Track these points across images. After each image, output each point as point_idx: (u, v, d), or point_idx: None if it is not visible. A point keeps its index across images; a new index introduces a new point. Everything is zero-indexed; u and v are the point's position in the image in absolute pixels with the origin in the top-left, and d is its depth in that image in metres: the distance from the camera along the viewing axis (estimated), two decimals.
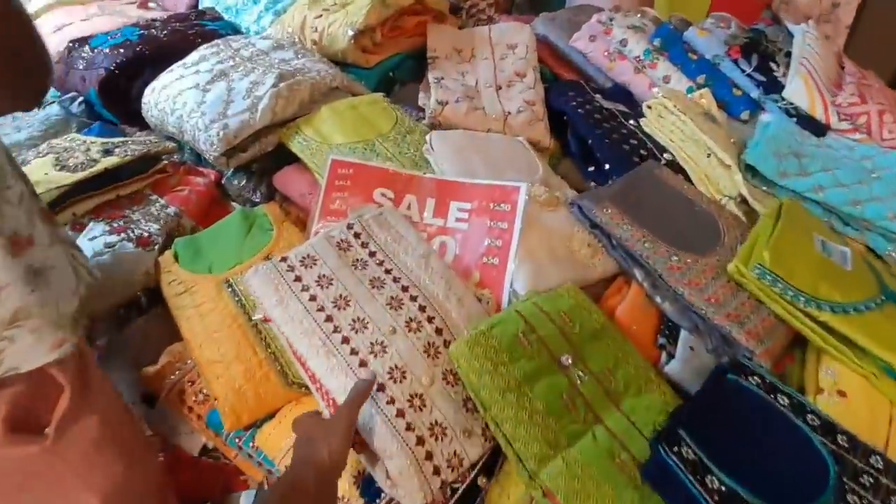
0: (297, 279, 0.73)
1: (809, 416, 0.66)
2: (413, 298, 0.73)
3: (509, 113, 1.09)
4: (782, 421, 0.65)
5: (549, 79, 1.30)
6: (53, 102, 1.11)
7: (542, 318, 0.71)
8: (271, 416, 0.74)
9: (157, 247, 0.88)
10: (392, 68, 1.22)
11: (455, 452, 0.64)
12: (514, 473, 0.64)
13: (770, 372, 0.70)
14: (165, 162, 0.99)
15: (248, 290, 0.74)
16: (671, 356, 0.75)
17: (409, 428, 0.64)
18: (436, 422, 0.65)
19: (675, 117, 1.04)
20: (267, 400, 0.73)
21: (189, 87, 1.01)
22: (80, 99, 1.12)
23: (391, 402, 0.65)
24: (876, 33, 1.76)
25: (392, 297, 0.73)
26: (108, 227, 0.88)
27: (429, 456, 0.63)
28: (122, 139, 1.00)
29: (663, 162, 1.03)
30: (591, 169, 1.05)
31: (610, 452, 0.62)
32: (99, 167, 0.91)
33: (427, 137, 0.95)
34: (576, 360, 0.69)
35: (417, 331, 0.70)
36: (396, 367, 0.67)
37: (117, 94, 1.09)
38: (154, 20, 1.23)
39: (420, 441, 0.63)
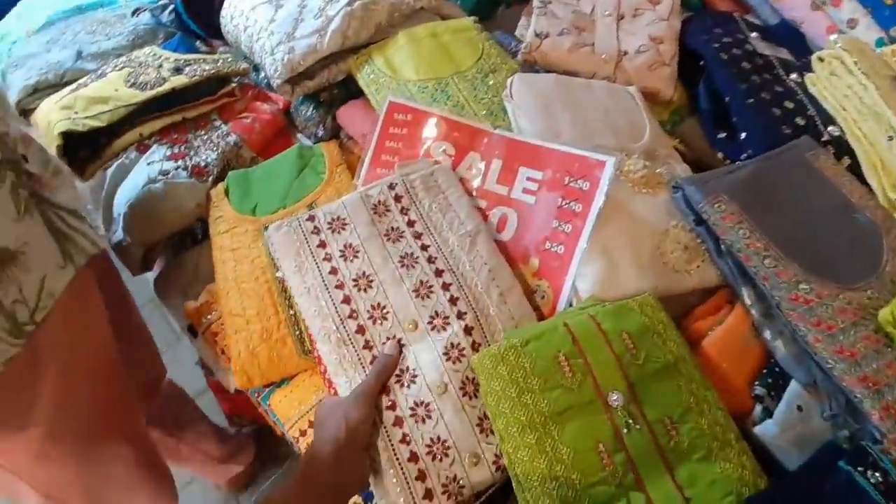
0: (322, 245, 0.65)
1: None
2: (445, 287, 0.62)
3: (625, 53, 0.86)
4: None
5: (696, 6, 1.02)
6: (146, 10, 1.09)
7: (596, 339, 0.56)
8: (286, 380, 0.70)
9: (210, 178, 0.85)
10: None
11: (455, 477, 0.55)
12: None
13: None
14: (234, 85, 0.93)
15: (269, 246, 0.68)
16: (768, 413, 0.57)
17: (403, 440, 0.55)
18: (438, 438, 0.55)
19: (853, 79, 0.75)
20: (280, 366, 0.68)
21: (263, 1, 0.92)
22: (171, 7, 1.08)
23: (391, 406, 0.57)
24: None
25: (421, 283, 0.62)
26: (168, 152, 0.86)
27: (421, 476, 0.54)
28: (195, 56, 0.95)
29: (825, 138, 0.76)
30: (722, 135, 0.81)
31: None
32: (166, 87, 0.88)
33: (508, 81, 0.78)
34: (629, 400, 0.54)
35: (442, 329, 0.60)
36: (409, 368, 0.58)
37: (200, 5, 1.03)
38: None
39: (413, 458, 0.55)
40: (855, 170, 0.75)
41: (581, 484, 0.50)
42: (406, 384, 0.58)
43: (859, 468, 0.50)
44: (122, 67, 0.92)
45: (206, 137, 0.89)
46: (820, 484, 0.50)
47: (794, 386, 0.57)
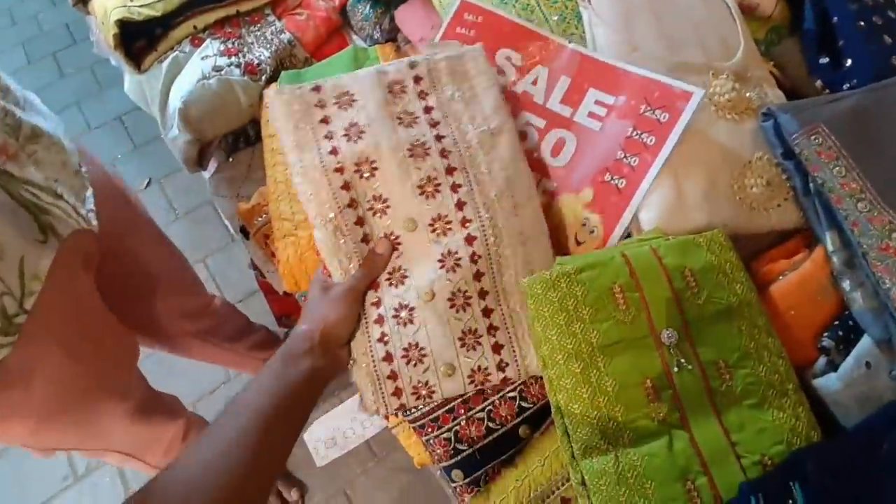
0: (325, 121, 0.59)
1: None
2: (455, 188, 0.56)
3: None
4: None
5: None
6: None
7: (656, 273, 0.53)
8: None
9: (264, 77, 0.82)
10: None
11: (427, 383, 0.55)
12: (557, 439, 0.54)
13: None
14: None
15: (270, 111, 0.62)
16: (832, 367, 0.53)
17: (381, 339, 0.55)
18: (416, 344, 0.54)
19: None
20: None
21: None
22: None
23: (376, 303, 0.56)
24: None
25: (429, 178, 0.56)
26: (222, 47, 0.83)
27: (392, 376, 0.55)
28: None
29: None
30: (825, 61, 0.72)
31: (683, 471, 0.48)
32: None
33: None
34: (683, 339, 0.52)
35: (443, 234, 0.56)
36: (400, 268, 0.56)
37: None
38: None
39: (388, 358, 0.55)
40: None
41: (623, 417, 0.49)
42: (395, 284, 0.56)
43: None
44: None
45: (259, 33, 0.85)
46: (876, 445, 0.47)
47: (865, 341, 0.53)
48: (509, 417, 0.57)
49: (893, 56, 0.67)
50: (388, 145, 0.57)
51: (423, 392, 0.55)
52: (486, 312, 0.55)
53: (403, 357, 0.54)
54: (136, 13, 0.81)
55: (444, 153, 0.57)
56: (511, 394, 0.58)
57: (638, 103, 0.59)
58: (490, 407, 0.58)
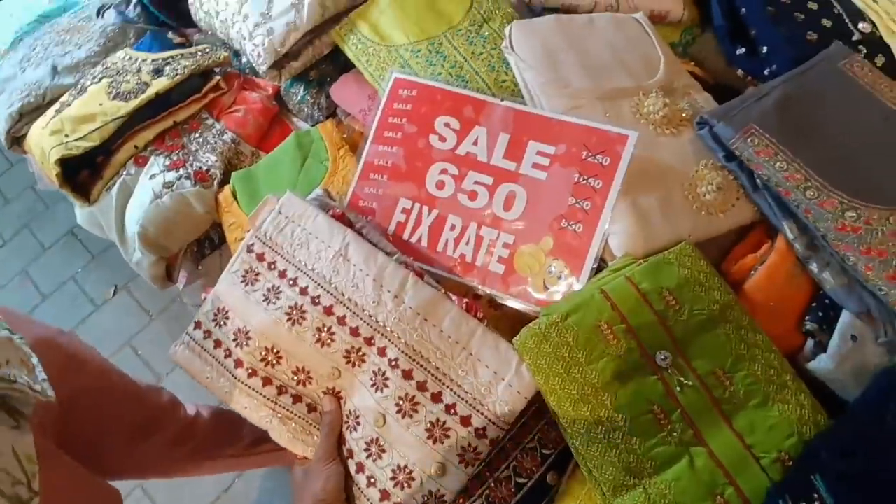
0: (217, 344, 0.64)
1: None
2: (341, 321, 0.59)
3: None
4: None
5: None
6: (110, 6, 1.02)
7: (635, 302, 0.55)
8: None
9: (215, 182, 0.82)
10: None
11: (430, 493, 0.55)
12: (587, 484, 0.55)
13: None
14: (218, 78, 0.89)
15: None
16: (821, 348, 0.56)
17: (370, 483, 0.56)
18: (399, 466, 0.55)
19: None
20: None
21: None
22: (135, 0, 1.02)
23: (349, 454, 0.58)
24: None
25: (318, 329, 0.60)
26: (167, 162, 0.83)
27: None
28: (173, 53, 0.90)
29: (856, 37, 0.71)
30: (742, 51, 0.76)
31: (710, 487, 0.49)
32: (150, 92, 0.84)
33: (506, 31, 0.72)
34: (677, 358, 0.54)
35: (361, 362, 0.59)
36: (351, 413, 0.59)
37: None
38: None
39: (384, 496, 0.56)
40: (891, 68, 0.69)
41: (641, 448, 0.51)
42: (353, 428, 0.58)
43: None
44: (101, 78, 0.88)
45: (201, 139, 0.86)
46: (881, 419, 0.49)
47: (846, 316, 0.56)
48: (535, 469, 0.58)
49: (808, 32, 0.71)
50: (272, 329, 0.61)
51: (434, 502, 0.55)
52: (436, 398, 0.56)
53: (396, 485, 0.55)
54: (74, 148, 0.81)
55: (315, 301, 0.60)
56: (530, 445, 0.59)
57: (578, 150, 0.62)
58: (514, 463, 0.58)
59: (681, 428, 0.51)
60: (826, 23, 0.72)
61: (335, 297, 0.60)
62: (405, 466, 0.55)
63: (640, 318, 0.54)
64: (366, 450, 0.57)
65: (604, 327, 0.54)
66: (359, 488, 0.57)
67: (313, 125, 0.88)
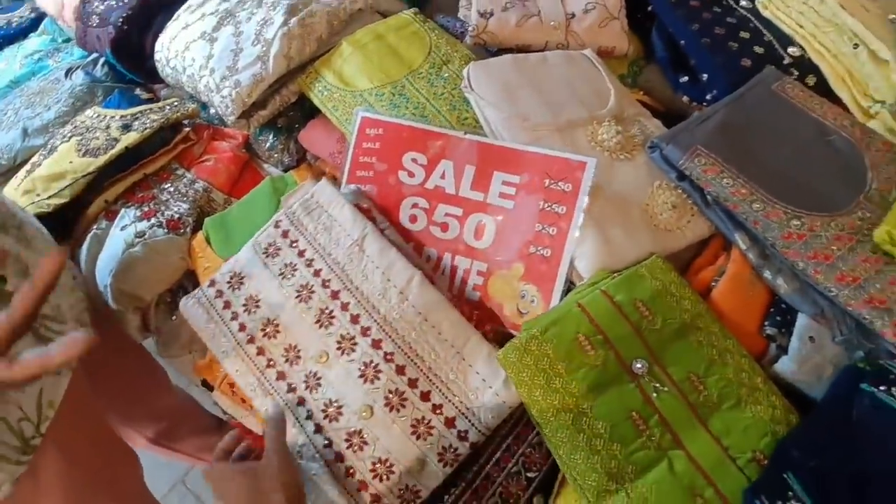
0: (227, 305, 0.67)
1: None
2: (344, 307, 0.63)
3: (573, 15, 0.85)
4: None
5: None
6: (78, 67, 1.04)
7: (611, 314, 0.57)
8: None
9: (188, 228, 0.83)
10: None
11: (407, 487, 0.56)
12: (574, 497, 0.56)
13: None
14: (187, 129, 0.90)
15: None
16: (783, 350, 0.59)
17: (349, 473, 0.57)
18: (379, 459, 0.57)
19: None
20: None
21: (195, 37, 0.88)
22: (102, 60, 1.04)
23: (328, 444, 0.58)
24: None
25: (321, 311, 0.63)
26: (138, 213, 0.84)
27: (375, 499, 0.56)
28: (141, 108, 0.92)
29: (787, 61, 0.77)
30: (685, 79, 0.81)
31: (689, 489, 0.51)
32: (119, 147, 0.85)
33: (465, 72, 0.76)
34: (652, 366, 0.56)
35: (351, 350, 0.61)
36: (332, 401, 0.60)
37: (132, 52, 0.99)
38: None
39: (362, 486, 0.56)
40: (822, 87, 0.75)
41: (622, 453, 0.52)
42: (334, 418, 0.59)
43: (881, 387, 0.52)
44: (70, 137, 0.89)
45: (172, 189, 0.87)
46: (846, 412, 0.51)
47: (802, 319, 0.59)
48: (521, 493, 0.58)
49: (743, 59, 0.77)
50: (280, 302, 0.64)
51: (409, 496, 0.56)
52: (424, 397, 0.58)
53: (375, 477, 0.56)
54: (45, 206, 0.81)
55: (325, 284, 0.64)
56: (514, 469, 0.59)
57: (541, 178, 0.65)
58: (500, 489, 0.59)
59: (659, 433, 0.53)
60: (758, 49, 0.78)
61: (344, 283, 0.63)
62: (386, 459, 0.56)
63: (616, 330, 0.56)
64: (346, 440, 0.57)
65: (582, 339, 0.56)
66: (335, 477, 0.57)
67: (284, 171, 0.90)
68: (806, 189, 0.60)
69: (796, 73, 0.76)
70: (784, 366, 0.57)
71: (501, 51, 0.87)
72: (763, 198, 0.60)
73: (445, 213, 0.70)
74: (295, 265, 0.66)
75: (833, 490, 0.47)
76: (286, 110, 0.90)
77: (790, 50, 0.78)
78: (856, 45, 0.73)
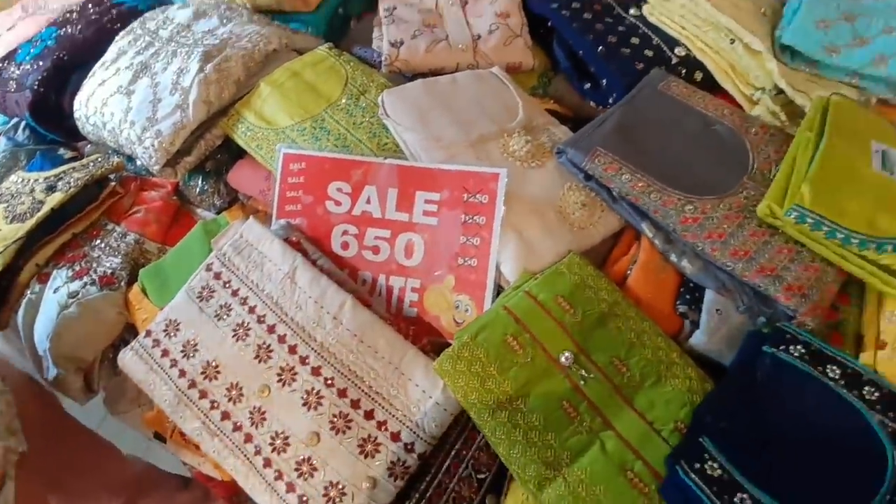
0: (165, 353, 0.68)
1: (867, 389, 0.54)
2: (281, 339, 0.64)
3: (479, 37, 0.90)
4: (832, 403, 0.53)
5: None
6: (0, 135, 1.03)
7: (535, 312, 0.61)
8: None
9: (122, 283, 0.83)
10: (339, 3, 1.03)
11: None
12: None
13: (816, 335, 0.58)
14: (114, 184, 0.90)
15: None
16: (696, 325, 0.64)
17: (302, 502, 0.58)
18: (331, 483, 0.58)
19: None
20: None
21: (112, 92, 0.89)
22: (23, 124, 1.03)
23: (279, 476, 0.60)
24: None
25: (259, 346, 0.64)
26: (70, 273, 0.83)
27: None
28: (65, 168, 0.91)
29: (675, 61, 0.83)
30: (588, 86, 0.87)
31: (620, 465, 0.54)
32: (45, 209, 0.85)
33: (380, 99, 0.80)
34: (578, 355, 0.59)
35: (291, 380, 0.63)
36: (278, 433, 0.61)
37: (51, 114, 0.99)
38: (71, 11, 1.08)
39: None
40: (709, 81, 0.82)
41: (556, 441, 0.55)
42: (282, 449, 0.60)
43: (781, 347, 0.57)
44: None
45: (103, 245, 0.86)
46: (751, 374, 0.56)
47: (708, 294, 0.64)
48: (473, 496, 0.61)
49: (636, 62, 0.84)
50: (217, 343, 0.66)
51: None
52: (368, 415, 0.60)
53: (329, 501, 0.57)
54: None
55: (260, 319, 0.65)
56: (465, 473, 0.62)
57: (459, 193, 0.69)
58: (453, 495, 0.61)
59: (589, 417, 0.57)
60: (648, 52, 0.84)
61: (279, 316, 0.65)
62: (337, 483, 0.57)
63: (541, 326, 0.60)
64: (296, 469, 0.58)
65: (510, 340, 0.59)
66: None
67: (217, 213, 0.91)
68: (696, 176, 0.66)
69: (684, 70, 0.83)
70: (697, 339, 0.62)
71: (418, 75, 0.91)
72: (659, 188, 0.65)
73: (375, 236, 0.72)
74: (230, 305, 0.67)
75: (744, 446, 0.51)
76: (213, 153, 0.91)
77: (677, 50, 0.85)
78: (732, 40, 0.80)
